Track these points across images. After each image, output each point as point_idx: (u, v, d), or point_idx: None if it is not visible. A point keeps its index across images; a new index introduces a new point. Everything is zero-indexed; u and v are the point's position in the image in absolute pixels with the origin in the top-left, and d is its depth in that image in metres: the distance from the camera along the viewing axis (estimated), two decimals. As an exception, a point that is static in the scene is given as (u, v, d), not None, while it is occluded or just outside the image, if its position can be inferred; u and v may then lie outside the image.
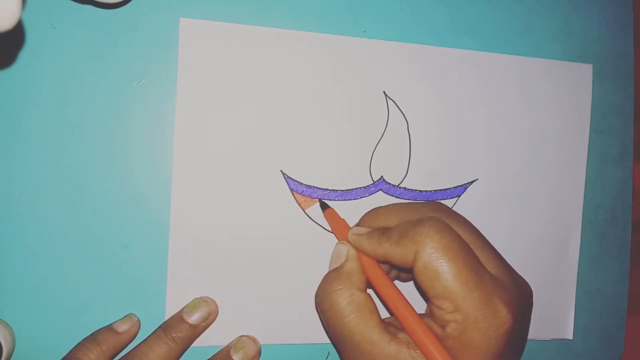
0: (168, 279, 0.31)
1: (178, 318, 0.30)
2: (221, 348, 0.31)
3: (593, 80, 0.37)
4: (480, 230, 0.28)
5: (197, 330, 0.30)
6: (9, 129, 0.29)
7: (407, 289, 0.31)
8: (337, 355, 0.33)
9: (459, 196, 0.35)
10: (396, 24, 0.34)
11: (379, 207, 0.30)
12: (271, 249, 0.32)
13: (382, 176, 0.34)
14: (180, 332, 0.30)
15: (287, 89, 0.32)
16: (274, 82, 0.32)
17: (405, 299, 0.26)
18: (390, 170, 0.34)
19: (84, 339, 0.29)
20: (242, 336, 0.32)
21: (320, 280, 0.28)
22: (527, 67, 0.36)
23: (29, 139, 0.30)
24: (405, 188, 0.34)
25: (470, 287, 0.24)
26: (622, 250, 0.38)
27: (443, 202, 0.35)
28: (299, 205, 0.33)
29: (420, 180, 0.34)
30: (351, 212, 0.33)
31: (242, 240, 0.32)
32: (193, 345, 0.31)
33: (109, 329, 0.30)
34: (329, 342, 0.33)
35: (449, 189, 0.35)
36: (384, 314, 0.27)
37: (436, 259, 0.24)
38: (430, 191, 0.34)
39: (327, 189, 0.33)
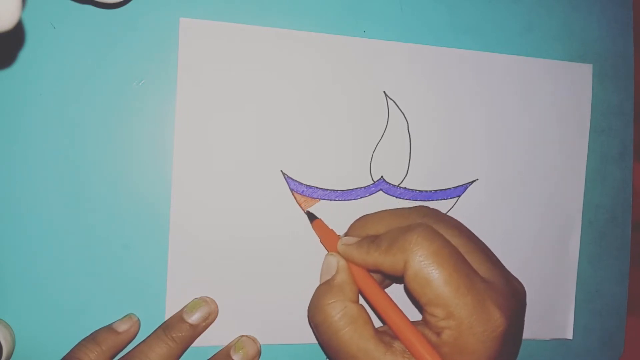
0: (168, 279, 0.31)
1: (178, 318, 0.30)
2: (221, 348, 0.31)
3: (593, 80, 0.37)
4: (480, 231, 0.28)
5: (197, 330, 0.30)
6: (9, 129, 0.29)
7: (400, 297, 0.31)
8: (337, 355, 0.33)
9: (459, 196, 0.35)
10: (396, 24, 0.34)
11: (368, 214, 0.30)
12: (271, 249, 0.32)
13: (382, 176, 0.34)
14: (180, 332, 0.30)
15: (287, 89, 0.32)
16: (274, 82, 0.32)
17: (398, 308, 0.26)
18: (391, 170, 0.34)
19: (84, 339, 0.29)
20: (242, 336, 0.32)
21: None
22: (527, 67, 0.36)
23: (29, 139, 0.30)
24: (405, 188, 0.34)
25: (462, 293, 0.24)
26: (622, 250, 0.38)
27: (443, 202, 0.35)
28: (299, 205, 0.33)
29: (421, 180, 0.34)
30: (351, 212, 0.33)
31: (242, 240, 0.32)
32: (193, 345, 0.31)
33: (109, 329, 0.30)
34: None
35: (449, 189, 0.35)
36: (377, 322, 0.27)
37: (426, 266, 0.24)
38: (430, 191, 0.34)
39: (327, 189, 0.33)
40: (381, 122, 0.34)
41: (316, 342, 0.33)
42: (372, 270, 0.27)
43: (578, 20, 0.37)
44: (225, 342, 0.32)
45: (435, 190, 0.34)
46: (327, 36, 0.33)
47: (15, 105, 0.29)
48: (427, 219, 0.27)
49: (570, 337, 0.37)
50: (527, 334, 0.34)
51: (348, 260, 0.28)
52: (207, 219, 0.31)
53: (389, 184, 0.34)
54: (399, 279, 0.26)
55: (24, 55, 0.29)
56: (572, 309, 0.37)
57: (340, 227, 0.32)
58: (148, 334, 0.30)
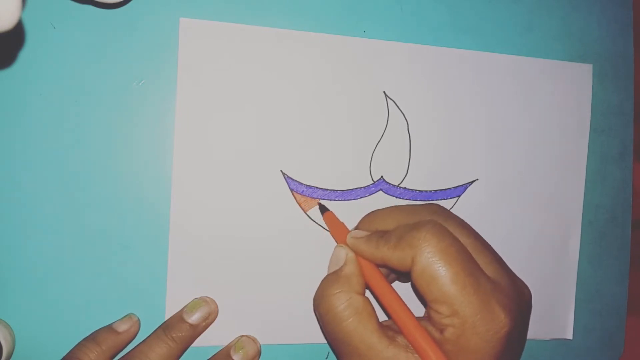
0: (168, 279, 0.31)
1: (178, 318, 0.30)
2: (221, 348, 0.31)
3: (593, 80, 0.37)
4: (480, 231, 0.28)
5: (197, 330, 0.30)
6: (9, 129, 0.29)
7: (406, 292, 0.31)
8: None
9: (459, 196, 0.35)
10: (396, 24, 0.34)
11: (378, 210, 0.30)
12: (271, 249, 0.32)
13: (382, 176, 0.34)
14: (180, 332, 0.30)
15: (287, 89, 0.32)
16: (274, 82, 0.32)
17: (404, 303, 0.26)
18: (390, 170, 0.34)
19: (84, 339, 0.29)
20: (242, 336, 0.32)
21: (320, 281, 0.28)
22: (527, 67, 0.36)
23: (29, 139, 0.30)
24: (405, 188, 0.34)
25: (468, 291, 0.24)
26: (622, 250, 0.38)
27: (443, 202, 0.35)
28: (299, 205, 0.33)
29: (420, 180, 0.34)
30: (351, 212, 0.33)
31: (242, 240, 0.32)
32: (193, 345, 0.31)
33: (109, 328, 0.30)
34: (329, 342, 0.33)
35: (449, 189, 0.35)
36: (382, 316, 0.27)
37: (433, 263, 0.24)
38: (430, 191, 0.34)
39: (327, 189, 0.33)
40: (381, 122, 0.34)
41: (316, 342, 0.33)
42: (379, 264, 0.27)
43: (578, 20, 0.37)
44: (225, 342, 0.32)
45: (435, 190, 0.34)
46: (327, 36, 0.33)
47: (15, 105, 0.29)
48: (436, 216, 0.27)
49: (570, 337, 0.37)
50: (527, 334, 0.34)
51: (357, 253, 0.28)
52: (207, 219, 0.31)
53: (389, 184, 0.34)
54: (405, 274, 0.26)
55: (24, 55, 0.29)
56: (572, 309, 0.37)
57: (340, 227, 0.32)
58: (148, 334, 0.30)
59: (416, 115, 0.34)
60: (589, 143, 0.37)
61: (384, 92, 0.34)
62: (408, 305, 0.26)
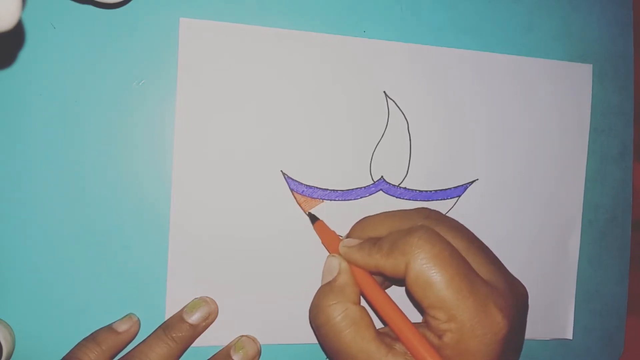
0: (168, 279, 0.31)
1: (178, 318, 0.30)
2: (221, 348, 0.31)
3: (593, 80, 0.37)
4: (480, 231, 0.28)
5: (197, 330, 0.30)
6: (9, 129, 0.29)
7: (402, 298, 0.31)
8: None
9: (459, 196, 0.35)
10: (396, 24, 0.34)
11: (369, 216, 0.30)
12: (271, 249, 0.32)
13: (382, 176, 0.34)
14: (180, 332, 0.30)
15: (287, 89, 0.32)
16: (274, 82, 0.32)
17: (400, 310, 0.26)
18: (391, 170, 0.34)
19: (84, 339, 0.29)
20: (242, 336, 0.32)
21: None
22: (527, 67, 0.36)
23: (29, 139, 0.30)
24: (405, 188, 0.34)
25: (463, 295, 0.24)
26: (622, 250, 0.38)
27: (443, 202, 0.35)
28: (300, 205, 0.33)
29: (421, 180, 0.34)
30: (351, 212, 0.33)
31: (242, 240, 0.32)
32: (193, 345, 0.31)
33: (109, 328, 0.30)
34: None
35: (449, 189, 0.35)
36: (379, 324, 0.27)
37: (427, 269, 0.24)
38: (430, 191, 0.34)
39: (327, 189, 0.33)
40: (381, 122, 0.34)
41: (316, 342, 0.33)
42: (373, 272, 0.27)
43: (578, 20, 0.37)
44: (225, 342, 0.32)
45: (435, 190, 0.34)
46: (327, 36, 0.33)
47: (15, 105, 0.29)
48: (428, 220, 0.27)
49: (570, 337, 0.37)
50: (527, 334, 0.34)
51: (350, 262, 0.28)
52: (207, 219, 0.31)
53: (389, 184, 0.34)
54: (399, 281, 0.26)
55: (24, 55, 0.29)
56: (572, 309, 0.37)
57: (340, 226, 0.32)
58: (148, 334, 0.30)
59: (416, 115, 0.34)
60: (589, 143, 0.37)
61: (384, 92, 0.34)
62: (404, 311, 0.26)
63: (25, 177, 0.30)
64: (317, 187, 0.33)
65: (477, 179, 0.35)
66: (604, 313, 0.38)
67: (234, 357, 0.30)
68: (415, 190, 0.34)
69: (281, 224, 0.32)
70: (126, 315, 0.31)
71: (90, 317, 0.30)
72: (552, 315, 0.37)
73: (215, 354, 0.31)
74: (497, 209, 0.36)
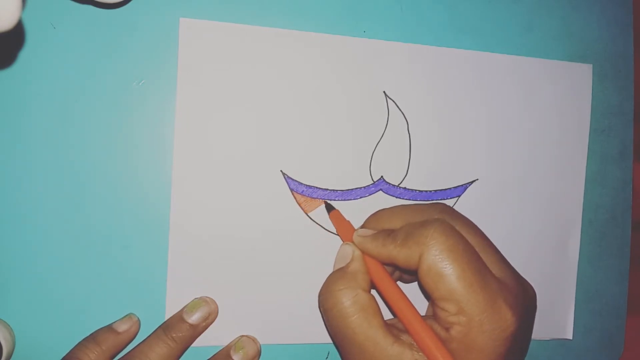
0: (168, 279, 0.31)
1: (178, 318, 0.30)
2: (221, 348, 0.31)
3: (593, 80, 0.37)
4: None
5: (197, 330, 0.30)
6: (9, 129, 0.29)
7: (411, 290, 0.31)
8: (337, 355, 0.33)
9: (459, 196, 0.35)
10: (396, 24, 0.34)
11: (384, 209, 0.30)
12: (271, 249, 0.32)
13: (382, 176, 0.34)
14: (180, 332, 0.30)
15: (287, 89, 0.32)
16: (274, 82, 0.32)
17: (409, 301, 0.26)
18: (390, 170, 0.34)
19: (84, 339, 0.29)
20: (242, 336, 0.32)
21: (320, 280, 0.28)
22: (527, 67, 0.36)
23: (28, 139, 0.30)
24: (405, 188, 0.34)
25: (474, 289, 0.24)
26: (622, 250, 0.38)
27: (443, 202, 0.35)
28: (300, 205, 0.33)
29: (420, 180, 0.34)
30: (351, 212, 0.33)
31: (242, 240, 0.32)
32: (193, 345, 0.31)
33: (109, 328, 0.30)
34: (329, 342, 0.33)
35: (449, 189, 0.35)
36: (387, 315, 0.27)
37: (441, 260, 0.24)
38: (430, 191, 0.34)
39: (327, 189, 0.33)
40: (381, 122, 0.34)
41: (316, 342, 0.33)
42: (385, 262, 0.27)
43: (578, 20, 0.37)
44: (225, 342, 0.32)
45: (435, 190, 0.34)
46: (327, 36, 0.33)
47: (15, 105, 0.29)
48: (443, 215, 0.27)
49: (570, 337, 0.37)
50: (527, 334, 0.34)
51: (363, 251, 0.28)
52: (207, 219, 0.31)
53: (389, 184, 0.34)
54: (411, 273, 0.26)
55: (24, 55, 0.29)
56: (572, 309, 0.37)
57: (340, 227, 0.32)
58: (148, 334, 0.30)
59: (416, 115, 0.34)
60: (589, 143, 0.37)
61: (384, 92, 0.34)
62: (413, 303, 0.26)
63: (25, 177, 0.30)
64: (317, 187, 0.33)
65: (477, 179, 0.35)
66: (604, 313, 0.38)
67: (234, 357, 0.30)
68: (415, 190, 0.34)
69: (281, 224, 0.32)
70: (126, 315, 0.31)
71: (90, 317, 0.30)
72: (552, 315, 0.37)
73: (215, 354, 0.31)
74: (497, 209, 0.36)
